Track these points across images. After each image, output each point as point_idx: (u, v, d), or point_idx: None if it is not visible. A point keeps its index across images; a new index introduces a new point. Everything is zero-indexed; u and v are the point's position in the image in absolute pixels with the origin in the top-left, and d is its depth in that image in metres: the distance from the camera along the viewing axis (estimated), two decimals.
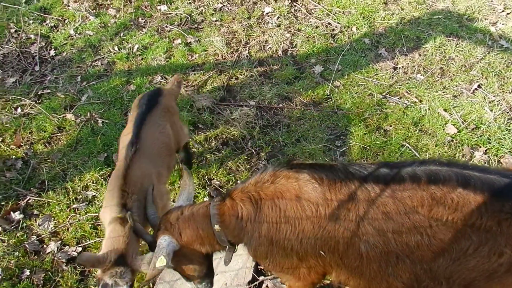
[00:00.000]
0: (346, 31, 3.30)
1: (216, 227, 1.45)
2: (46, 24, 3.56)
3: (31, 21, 3.57)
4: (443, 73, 2.92)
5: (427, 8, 3.41)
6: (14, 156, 2.53)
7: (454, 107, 2.66)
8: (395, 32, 3.22)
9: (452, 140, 2.48)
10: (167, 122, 1.98)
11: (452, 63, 2.97)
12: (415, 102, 2.73)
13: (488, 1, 3.41)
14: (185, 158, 2.33)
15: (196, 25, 3.46)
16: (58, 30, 3.51)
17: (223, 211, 1.46)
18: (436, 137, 2.50)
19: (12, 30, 3.50)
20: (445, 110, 2.65)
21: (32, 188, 2.38)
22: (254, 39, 3.30)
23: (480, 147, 2.44)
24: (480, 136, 2.50)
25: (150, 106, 1.94)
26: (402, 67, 2.99)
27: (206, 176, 2.41)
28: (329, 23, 3.37)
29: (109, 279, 1.47)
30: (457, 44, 3.08)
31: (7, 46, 3.36)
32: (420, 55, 3.06)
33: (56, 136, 2.67)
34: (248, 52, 3.20)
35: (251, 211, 1.44)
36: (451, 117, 2.61)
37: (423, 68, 2.97)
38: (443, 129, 2.54)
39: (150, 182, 1.76)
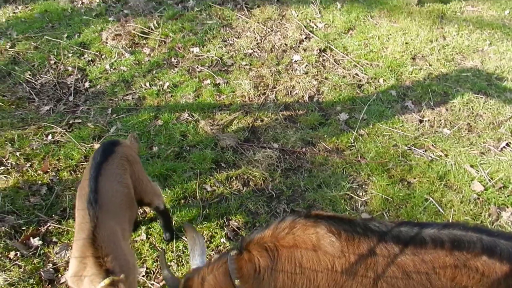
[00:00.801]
0: (373, 82, 3.34)
1: (237, 281, 1.43)
2: (84, 58, 3.73)
3: (70, 54, 3.76)
4: (470, 129, 2.89)
5: (455, 66, 3.43)
6: (40, 182, 2.59)
7: (481, 164, 2.62)
8: (422, 86, 3.24)
9: (478, 198, 2.42)
10: (126, 171, 1.82)
11: (480, 120, 2.94)
12: (441, 156, 2.69)
13: None
14: (163, 222, 2.19)
15: (226, 68, 3.57)
16: (94, 64, 3.67)
17: (241, 265, 1.44)
18: (462, 193, 2.44)
19: (52, 62, 3.68)
20: (471, 166, 2.61)
21: (53, 215, 2.41)
22: (282, 84, 3.37)
23: (508, 207, 2.37)
24: (508, 196, 2.43)
25: (105, 155, 1.77)
26: (429, 120, 2.98)
27: (225, 217, 2.40)
28: (356, 74, 3.43)
29: None
30: (485, 101, 3.06)
31: (45, 76, 3.52)
32: (447, 109, 3.05)
33: (82, 164, 2.72)
34: (275, 96, 3.26)
35: (268, 263, 1.42)
36: (478, 174, 2.55)
37: (450, 122, 2.95)
38: (469, 186, 2.48)
39: (117, 240, 1.61)
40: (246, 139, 2.89)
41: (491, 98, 3.08)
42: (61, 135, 2.92)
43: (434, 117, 3.00)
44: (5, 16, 4.31)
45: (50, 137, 2.91)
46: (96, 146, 2.81)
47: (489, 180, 2.50)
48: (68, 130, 2.98)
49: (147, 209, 2.43)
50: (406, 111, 3.07)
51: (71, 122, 3.06)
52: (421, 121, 2.98)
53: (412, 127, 2.92)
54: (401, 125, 2.95)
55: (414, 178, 2.55)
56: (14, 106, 3.21)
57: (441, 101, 3.13)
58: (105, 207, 1.62)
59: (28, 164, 2.71)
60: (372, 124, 2.95)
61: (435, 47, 3.61)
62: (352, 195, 2.49)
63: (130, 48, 3.82)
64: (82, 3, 4.51)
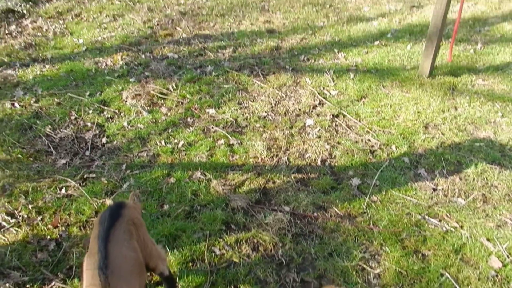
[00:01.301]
0: (385, 148, 3.36)
1: None
2: (103, 115, 3.86)
3: (90, 111, 3.90)
4: (485, 200, 2.85)
5: (468, 136, 3.45)
6: (49, 237, 2.58)
7: (498, 237, 2.54)
8: (435, 155, 3.24)
9: (497, 275, 2.33)
10: (133, 236, 1.80)
11: (495, 191, 2.90)
12: (456, 227, 2.64)
13: None
14: None
15: (240, 129, 3.65)
16: (113, 121, 3.79)
17: None
18: (479, 269, 2.35)
19: (73, 117, 3.81)
20: (488, 240, 2.54)
21: (59, 273, 2.37)
22: (294, 147, 3.41)
23: None
24: None
25: (113, 220, 1.75)
26: (442, 189, 2.95)
27: (233, 284, 2.33)
28: (369, 140, 3.46)
29: None
30: (500, 172, 3.04)
31: (65, 131, 3.63)
32: (461, 179, 3.03)
33: (92, 220, 2.72)
34: (287, 159, 3.29)
35: None
36: (495, 248, 2.48)
37: (464, 192, 2.91)
38: (487, 261, 2.40)
39: None
40: (258, 201, 2.88)
41: (506, 169, 3.06)
42: (75, 189, 2.95)
43: (448, 186, 2.97)
44: (32, 73, 4.54)
45: (63, 190, 2.95)
46: (108, 202, 2.83)
47: (507, 255, 2.42)
48: (82, 184, 3.02)
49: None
50: (419, 178, 3.05)
51: (85, 176, 3.10)
52: (434, 190, 2.95)
53: (426, 196, 2.89)
54: (414, 192, 2.92)
55: (429, 250, 2.48)
56: (32, 159, 3.29)
57: (454, 170, 3.12)
58: (117, 273, 1.59)
59: (39, 218, 2.72)
60: (384, 190, 2.93)
61: (447, 117, 3.66)
62: (364, 266, 2.41)
63: (148, 107, 3.95)
64: (106, 64, 4.75)
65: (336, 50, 5.00)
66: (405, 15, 5.99)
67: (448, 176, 3.06)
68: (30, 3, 6.46)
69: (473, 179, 3.01)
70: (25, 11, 6.15)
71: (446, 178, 3.05)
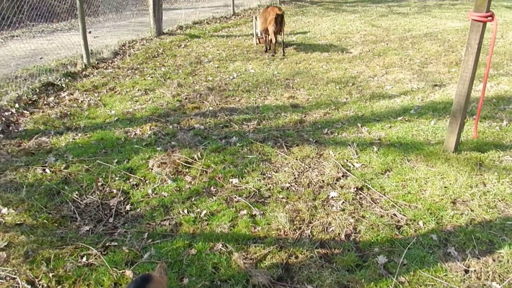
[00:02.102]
0: (412, 224, 3.26)
1: None
2: (129, 182, 3.94)
3: (117, 178, 3.99)
4: None
5: (499, 213, 3.33)
6: None
7: None
8: (465, 232, 3.12)
9: None
10: None
11: None
12: None
13: None
14: None
15: (263, 200, 3.63)
16: (138, 188, 3.85)
17: None
18: None
19: (99, 184, 3.90)
20: None
21: None
22: (318, 220, 3.35)
23: None
24: None
25: None
26: (475, 271, 2.79)
27: None
28: (394, 214, 3.38)
29: None
30: None
31: (91, 197, 3.70)
32: (494, 260, 2.87)
33: None
34: (311, 232, 3.22)
35: None
36: None
37: (499, 275, 2.74)
38: None
39: None
40: (279, 278, 2.78)
41: None
42: (96, 258, 2.93)
43: (481, 268, 2.81)
44: (65, 141, 4.75)
45: (84, 258, 2.93)
46: (128, 272, 2.79)
47: None
48: (103, 252, 3.00)
49: None
50: (449, 258, 2.91)
51: (107, 244, 3.10)
52: (466, 271, 2.79)
53: (457, 278, 2.73)
54: (444, 274, 2.77)
55: None
56: (56, 224, 3.33)
57: (486, 250, 2.97)
58: None
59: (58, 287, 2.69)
60: (413, 270, 2.79)
61: (476, 192, 3.57)
62: None
63: (173, 176, 4.01)
64: (135, 134, 4.94)
65: (359, 125, 5.08)
66: (427, 93, 6.11)
67: (480, 256, 2.91)
68: (69, 77, 6.94)
69: (508, 261, 2.85)
70: (63, 85, 6.59)
71: (478, 258, 2.89)
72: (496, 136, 4.59)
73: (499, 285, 2.66)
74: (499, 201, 3.48)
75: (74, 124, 5.26)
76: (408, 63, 7.69)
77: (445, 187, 3.68)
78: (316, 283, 2.72)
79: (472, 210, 3.38)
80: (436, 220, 3.28)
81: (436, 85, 6.40)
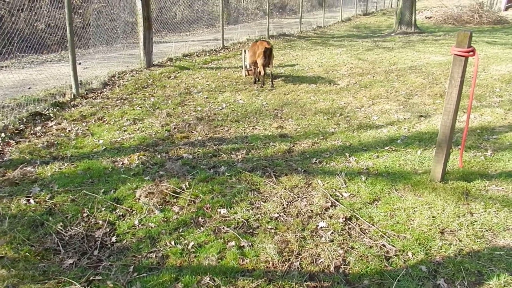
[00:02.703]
0: (401, 255, 3.24)
1: None
2: (116, 213, 3.87)
3: (103, 209, 3.92)
4: None
5: (487, 243, 3.34)
6: None
7: None
8: (454, 263, 3.10)
9: None
10: None
11: None
12: None
13: None
14: None
15: (251, 230, 3.59)
16: (124, 219, 3.78)
17: None
18: None
19: (85, 214, 3.83)
20: None
21: None
22: (307, 251, 3.31)
23: None
24: None
25: None
26: None
27: None
28: (383, 245, 3.36)
29: None
30: None
31: (75, 228, 3.62)
32: None
33: None
34: (300, 264, 3.17)
35: None
36: None
37: None
38: None
39: None
40: None
41: None
42: None
43: None
44: (51, 170, 4.69)
45: None
46: None
47: None
48: (86, 287, 2.91)
49: None
50: None
51: (91, 278, 3.00)
52: None
53: None
54: None
55: None
56: (39, 257, 3.23)
57: (476, 281, 2.95)
58: None
59: None
60: None
61: (463, 222, 3.59)
62: None
63: (161, 206, 3.96)
64: (123, 163, 4.91)
65: (347, 154, 5.12)
66: (413, 123, 6.22)
67: None
68: (58, 107, 6.92)
69: None
70: (51, 114, 6.57)
71: None
72: (482, 165, 4.65)
73: None
74: (487, 230, 3.50)
75: (60, 153, 5.21)
76: (394, 95, 7.86)
77: (433, 217, 3.69)
78: None
79: (460, 240, 3.38)
80: (425, 250, 3.26)
81: (421, 116, 6.52)
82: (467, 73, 3.88)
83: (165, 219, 3.77)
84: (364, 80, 9.06)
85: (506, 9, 29.60)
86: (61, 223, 3.67)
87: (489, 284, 2.91)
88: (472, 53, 3.73)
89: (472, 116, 6.33)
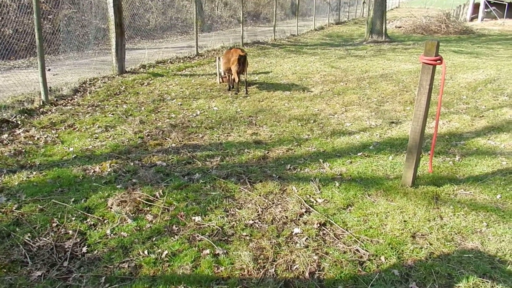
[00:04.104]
0: (374, 259, 3.28)
1: None
2: (87, 222, 3.77)
3: (73, 218, 3.81)
4: None
5: (456, 246, 3.43)
6: None
7: None
8: (425, 267, 3.17)
9: None
10: None
11: None
12: None
13: None
14: None
15: (226, 238, 3.57)
16: (95, 229, 3.69)
17: None
18: None
19: (54, 224, 3.71)
20: None
21: None
22: (282, 258, 3.31)
23: None
24: None
25: None
26: None
27: None
28: (357, 250, 3.40)
29: None
30: (492, 286, 2.95)
31: (44, 239, 3.50)
32: None
33: None
34: (275, 270, 3.17)
35: None
36: None
37: None
38: None
39: None
40: None
41: (498, 283, 2.98)
42: None
43: None
44: (18, 179, 4.53)
45: None
46: None
47: None
48: None
49: None
50: None
51: None
52: None
53: None
54: None
55: None
56: (5, 270, 3.10)
57: (446, 284, 3.02)
58: None
59: None
60: None
61: (433, 226, 3.67)
62: None
63: (134, 214, 3.89)
64: (94, 171, 4.80)
65: (321, 160, 5.17)
66: (385, 130, 6.35)
67: None
68: (26, 114, 6.72)
69: None
70: (19, 122, 6.37)
71: None
72: (450, 170, 4.79)
73: None
74: (456, 234, 3.59)
75: (29, 162, 5.05)
76: (366, 102, 8.01)
77: (404, 221, 3.76)
78: None
79: (431, 244, 3.46)
80: (397, 254, 3.32)
81: (392, 122, 6.67)
82: (435, 81, 4.01)
83: (138, 228, 3.70)
84: (337, 88, 9.22)
85: (472, 19, 30.80)
86: (29, 234, 3.55)
87: (459, 286, 2.98)
88: (439, 61, 3.85)
89: (440, 122, 6.53)
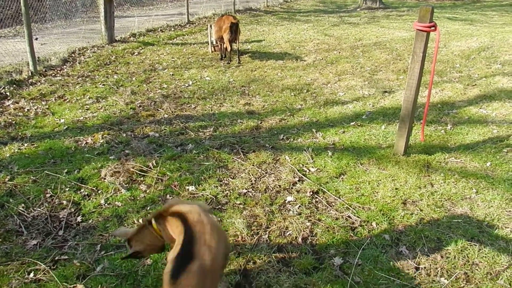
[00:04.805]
0: (365, 225, 3.35)
1: None
2: (80, 193, 3.79)
3: (67, 189, 3.82)
4: (468, 279, 2.80)
5: (446, 212, 3.50)
6: None
7: None
8: (415, 231, 3.25)
9: None
10: None
11: (477, 269, 2.88)
12: None
13: (507, 210, 3.50)
14: None
15: (220, 206, 3.61)
16: (89, 199, 3.70)
17: None
18: None
19: (48, 195, 3.72)
20: None
21: None
22: (275, 225, 3.36)
23: None
24: None
25: None
26: (425, 267, 2.91)
27: None
28: (349, 216, 3.46)
29: None
30: (480, 249, 3.04)
31: (38, 209, 3.52)
32: (442, 257, 3.01)
33: None
34: (268, 237, 3.23)
35: None
36: None
37: (447, 271, 2.87)
38: None
39: None
40: (238, 284, 2.76)
41: (485, 246, 3.07)
42: (44, 273, 2.78)
43: (430, 265, 2.93)
44: (10, 151, 4.50)
45: (32, 274, 2.77)
46: (79, 287, 2.67)
47: None
48: (52, 267, 2.86)
49: None
50: (401, 257, 3.01)
51: (57, 258, 2.95)
52: (417, 269, 2.90)
53: (409, 275, 2.83)
54: (397, 272, 2.86)
55: None
56: (0, 240, 3.13)
57: (435, 247, 3.10)
58: None
59: None
60: (367, 270, 2.87)
61: (424, 193, 3.73)
62: None
63: (127, 185, 3.90)
64: (86, 143, 4.77)
65: (314, 130, 5.18)
66: (378, 99, 6.34)
67: (430, 254, 3.04)
68: (14, 85, 6.60)
69: (454, 257, 2.99)
70: (8, 93, 6.26)
71: (427, 256, 3.02)
72: (442, 139, 4.83)
73: (447, 280, 2.79)
74: (446, 200, 3.66)
75: (19, 133, 5.00)
76: (359, 71, 7.96)
77: (396, 189, 3.82)
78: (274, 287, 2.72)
79: (421, 210, 3.53)
80: (388, 220, 3.39)
81: (385, 92, 6.66)
82: (428, 49, 3.97)
83: (132, 198, 3.72)
84: (330, 56, 9.12)
85: None
86: (22, 205, 3.56)
87: (447, 249, 3.07)
88: (433, 28, 3.81)
89: (433, 91, 6.53)
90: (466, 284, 2.76)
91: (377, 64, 8.39)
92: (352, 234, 3.25)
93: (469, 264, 2.92)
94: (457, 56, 8.76)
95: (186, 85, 7.11)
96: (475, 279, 2.80)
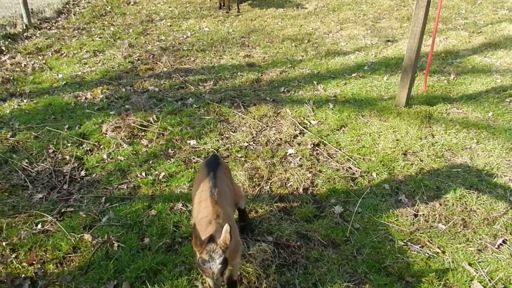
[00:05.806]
0: (366, 175, 3.39)
1: None
2: (83, 148, 3.81)
3: (69, 144, 3.84)
4: (465, 225, 2.88)
5: (446, 162, 3.53)
6: (23, 275, 2.47)
7: (479, 262, 2.56)
8: (415, 181, 3.29)
9: None
10: (228, 178, 2.52)
11: (474, 215, 2.94)
12: (438, 252, 2.64)
13: (506, 160, 3.52)
14: (241, 217, 2.83)
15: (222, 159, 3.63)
16: (92, 154, 3.73)
17: None
18: None
19: (50, 151, 3.74)
20: (469, 264, 2.54)
21: None
22: (276, 176, 3.41)
23: None
24: None
25: (216, 165, 2.43)
26: (423, 214, 2.97)
27: None
28: (350, 167, 3.50)
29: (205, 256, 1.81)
30: (478, 197, 3.09)
31: (42, 164, 3.56)
32: (440, 204, 3.07)
33: (70, 256, 2.63)
34: (270, 188, 3.28)
35: None
36: (477, 273, 2.48)
37: (445, 217, 2.94)
38: (469, 286, 2.40)
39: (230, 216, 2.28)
40: (240, 231, 2.83)
41: (483, 194, 3.12)
42: (51, 224, 2.86)
43: (429, 212, 2.99)
44: (10, 108, 4.48)
45: (39, 226, 2.85)
46: (86, 236, 2.75)
47: (489, 280, 2.43)
48: (59, 219, 2.93)
49: None
50: (400, 205, 3.07)
51: (63, 210, 3.02)
52: (415, 216, 2.97)
53: (407, 222, 2.90)
54: (396, 219, 2.93)
55: (412, 277, 2.47)
56: (7, 194, 3.19)
57: (434, 195, 3.15)
58: (220, 195, 2.21)
59: (13, 255, 2.61)
60: (367, 217, 2.94)
61: (425, 144, 3.75)
62: None
63: (129, 140, 3.92)
64: (86, 98, 4.73)
65: (315, 82, 5.12)
66: (380, 49, 6.21)
67: (428, 202, 3.10)
68: (9, 39, 6.46)
69: (453, 204, 3.05)
70: (3, 48, 6.14)
71: (426, 204, 3.08)
72: (444, 89, 4.78)
73: (445, 226, 2.86)
74: (446, 150, 3.68)
75: (18, 89, 4.96)
76: (362, 19, 7.74)
77: (396, 140, 3.83)
78: (276, 234, 2.80)
79: (421, 160, 3.56)
80: (388, 171, 3.43)
81: (388, 41, 6.51)
82: None
83: (134, 152, 3.75)
84: (332, 3, 8.83)
85: None
86: (26, 160, 3.59)
87: (446, 197, 3.12)
88: None
89: (437, 39, 6.37)
90: (463, 229, 2.83)
91: (380, 11, 8.13)
92: (352, 184, 3.30)
93: (467, 211, 2.99)
94: (463, 1, 8.46)
95: (185, 36, 6.95)
96: (472, 224, 2.87)
